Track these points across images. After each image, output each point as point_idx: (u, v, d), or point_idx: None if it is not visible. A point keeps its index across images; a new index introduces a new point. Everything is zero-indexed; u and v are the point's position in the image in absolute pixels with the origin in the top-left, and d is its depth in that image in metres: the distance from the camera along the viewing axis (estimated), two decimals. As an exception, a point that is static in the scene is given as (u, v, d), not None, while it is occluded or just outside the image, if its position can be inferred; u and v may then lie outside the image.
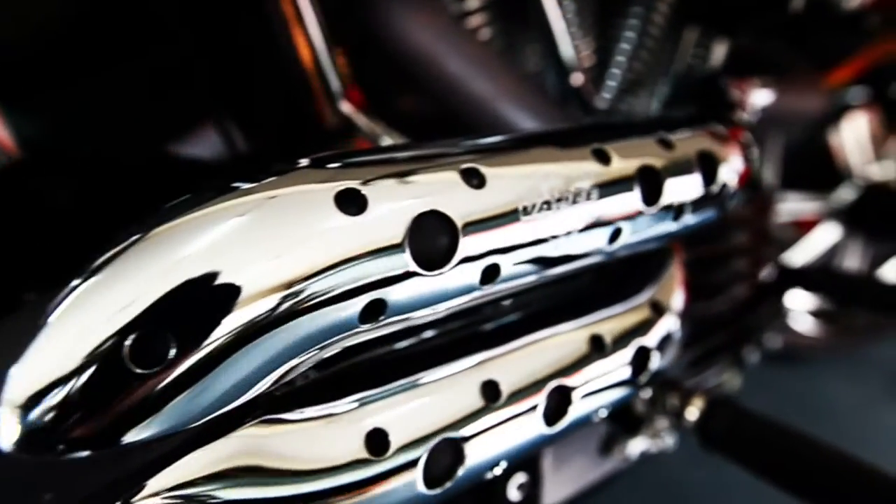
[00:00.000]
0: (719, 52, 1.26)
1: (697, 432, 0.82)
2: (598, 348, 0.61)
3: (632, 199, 0.57)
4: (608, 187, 0.56)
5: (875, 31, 1.18)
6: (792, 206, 1.99)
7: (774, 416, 0.77)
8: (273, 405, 0.45)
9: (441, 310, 0.48)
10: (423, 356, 0.52)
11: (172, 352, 0.36)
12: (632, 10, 1.16)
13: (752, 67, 1.33)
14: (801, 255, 2.02)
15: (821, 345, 2.02)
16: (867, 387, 2.16)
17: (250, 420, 0.44)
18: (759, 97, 0.98)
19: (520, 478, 0.74)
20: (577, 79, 1.06)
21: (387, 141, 0.82)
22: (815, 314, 1.98)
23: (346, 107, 0.86)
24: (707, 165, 0.65)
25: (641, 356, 0.64)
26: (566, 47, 1.05)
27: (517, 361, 0.56)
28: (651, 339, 0.66)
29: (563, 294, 0.64)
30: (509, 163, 0.50)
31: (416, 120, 1.04)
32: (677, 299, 0.73)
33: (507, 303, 0.62)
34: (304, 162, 0.42)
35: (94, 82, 0.81)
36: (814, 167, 2.02)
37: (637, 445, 0.89)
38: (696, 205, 0.65)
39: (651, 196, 0.59)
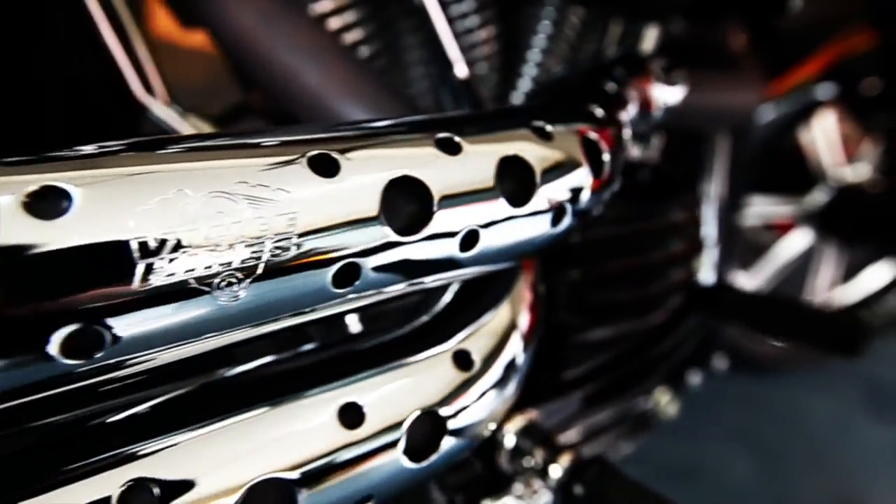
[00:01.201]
0: (649, 42, 1.07)
1: (559, 494, 0.64)
2: (349, 423, 0.43)
3: (372, 229, 0.39)
4: (329, 212, 0.37)
5: (801, 15, 1.00)
6: (761, 209, 1.81)
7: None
8: None
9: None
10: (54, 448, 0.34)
11: None
12: (546, -3, 0.98)
13: (689, 59, 1.14)
14: (771, 261, 1.83)
15: (795, 355, 1.83)
16: (845, 399, 1.98)
17: None
18: (664, 94, 0.79)
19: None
20: (461, 70, 0.87)
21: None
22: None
23: (148, 102, 0.69)
24: (517, 174, 0.46)
25: (427, 431, 0.46)
26: (446, 35, 0.87)
27: (206, 449, 0.38)
28: (448, 405, 0.48)
29: (325, 349, 0.46)
30: (128, 173, 0.32)
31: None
32: (512, 339, 0.55)
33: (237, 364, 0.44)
34: None
35: None
36: (787, 168, 1.83)
37: (500, 507, 0.70)
38: (505, 226, 0.46)
39: (413, 222, 0.41)
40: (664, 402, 1.15)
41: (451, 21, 0.90)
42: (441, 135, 0.43)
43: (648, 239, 0.91)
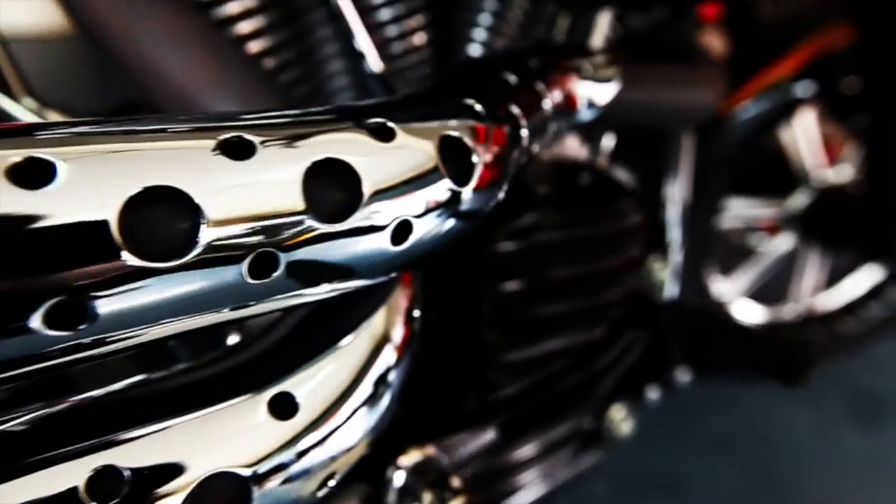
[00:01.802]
0: (599, 36, 0.96)
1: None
2: (103, 495, 0.33)
3: (107, 252, 0.29)
4: (39, 232, 0.28)
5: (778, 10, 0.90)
6: (741, 212, 1.70)
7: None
8: None
9: None
10: None
11: None
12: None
13: (644, 53, 1.04)
14: (753, 266, 1.73)
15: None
16: (826, 407, 1.88)
17: None
18: (590, 90, 0.69)
19: None
20: (374, 64, 0.78)
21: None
22: (766, 327, 1.69)
23: (-4, 97, 0.59)
24: (335, 182, 0.36)
25: (221, 498, 0.36)
26: (356, 25, 0.77)
27: None
28: (258, 464, 0.38)
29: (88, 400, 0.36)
30: None
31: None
32: (368, 374, 0.45)
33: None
34: None
35: None
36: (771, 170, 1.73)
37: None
38: (320, 248, 0.36)
39: (173, 245, 0.31)
40: (618, 419, 1.04)
41: (367, 10, 0.80)
42: (226, 135, 0.34)
43: (583, 249, 0.81)
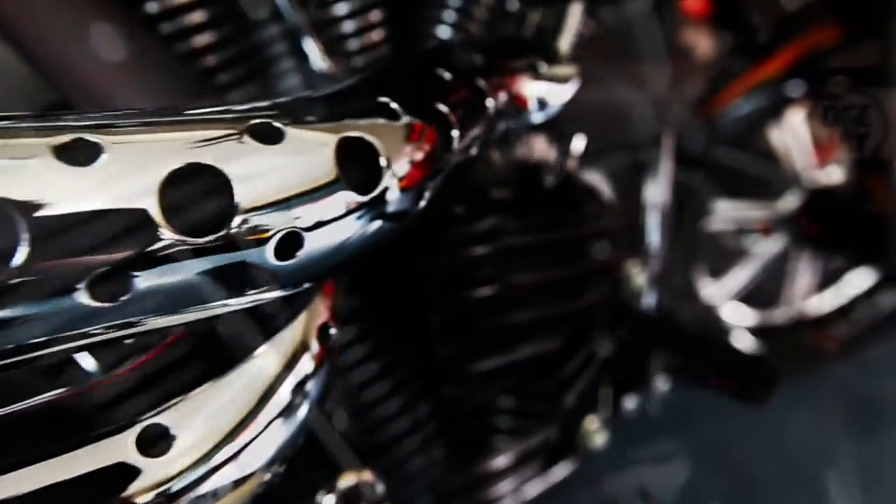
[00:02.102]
0: (569, 32, 0.91)
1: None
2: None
3: None
4: None
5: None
6: (731, 214, 1.66)
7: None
8: None
9: None
10: None
11: None
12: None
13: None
14: (743, 269, 1.68)
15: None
16: (823, 414, 1.83)
17: None
18: (542, 90, 0.64)
19: None
20: (319, 63, 0.73)
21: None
22: (757, 331, 1.65)
23: None
24: (202, 192, 0.32)
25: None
26: (303, 22, 0.73)
27: None
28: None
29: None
30: None
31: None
32: (269, 400, 0.40)
33: None
34: None
35: None
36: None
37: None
38: (184, 266, 0.32)
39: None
40: (592, 430, 0.99)
41: (318, 5, 0.76)
42: (65, 137, 0.29)
43: (546, 254, 0.76)
